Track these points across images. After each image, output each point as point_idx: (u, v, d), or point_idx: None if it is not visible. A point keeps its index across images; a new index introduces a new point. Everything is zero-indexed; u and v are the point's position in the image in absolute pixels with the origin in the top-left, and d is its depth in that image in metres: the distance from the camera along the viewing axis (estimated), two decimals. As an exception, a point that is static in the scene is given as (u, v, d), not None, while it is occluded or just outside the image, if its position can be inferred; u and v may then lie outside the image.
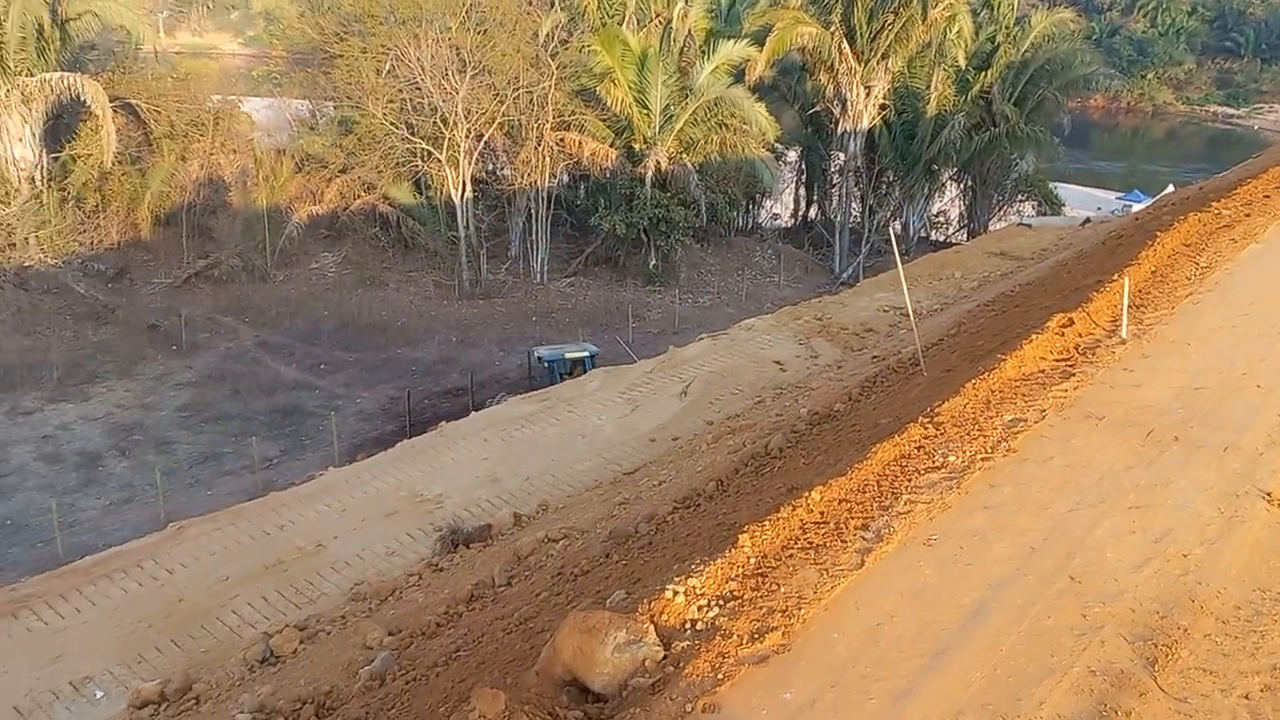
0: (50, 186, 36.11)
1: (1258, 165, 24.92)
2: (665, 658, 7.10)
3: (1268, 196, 18.87)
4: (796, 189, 53.00)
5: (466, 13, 37.87)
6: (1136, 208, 33.81)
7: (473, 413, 21.33)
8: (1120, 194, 56.68)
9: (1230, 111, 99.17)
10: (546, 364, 26.98)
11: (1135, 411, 10.45)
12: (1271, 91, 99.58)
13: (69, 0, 37.48)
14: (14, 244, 34.13)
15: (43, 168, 36.08)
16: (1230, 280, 14.30)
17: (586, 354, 27.06)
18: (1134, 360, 11.70)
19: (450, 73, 36.35)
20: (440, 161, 37.25)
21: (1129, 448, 9.75)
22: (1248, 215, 17.59)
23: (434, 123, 37.03)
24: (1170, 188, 40.89)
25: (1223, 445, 9.61)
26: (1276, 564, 7.78)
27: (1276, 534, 8.18)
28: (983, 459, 9.72)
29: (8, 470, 24.34)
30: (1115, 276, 13.83)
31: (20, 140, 35.21)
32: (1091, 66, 51.45)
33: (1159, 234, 16.62)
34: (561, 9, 40.67)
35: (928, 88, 45.51)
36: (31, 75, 34.80)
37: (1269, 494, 8.70)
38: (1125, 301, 12.71)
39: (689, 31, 43.54)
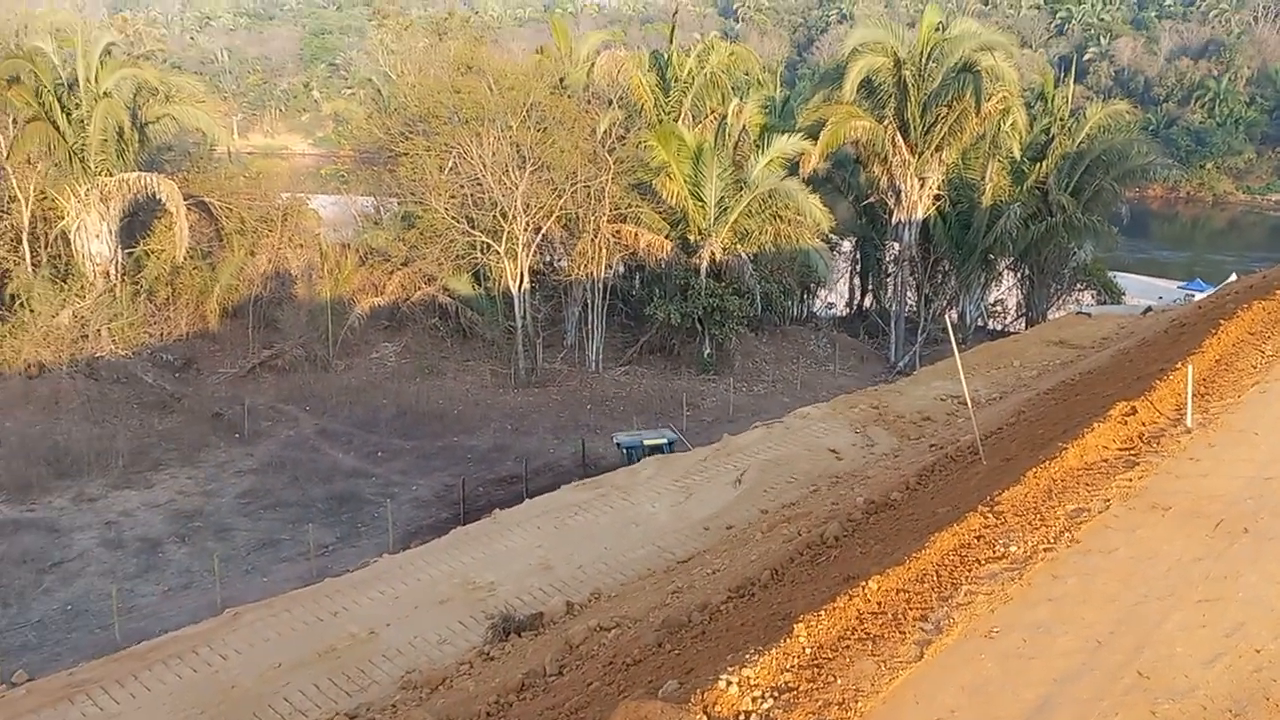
0: (124, 280, 37.50)
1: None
2: (719, 751, 6.95)
3: (1335, 283, 18.50)
4: (851, 278, 53.12)
5: (527, 112, 39.05)
6: (1199, 297, 33.30)
7: (526, 500, 21.35)
8: (1182, 283, 55.92)
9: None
10: (625, 450, 27.05)
11: (1203, 502, 10.16)
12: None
13: (149, 105, 39.41)
14: (87, 335, 35.33)
15: (117, 263, 37.53)
16: (1299, 368, 13.95)
17: (665, 440, 27.11)
18: (1200, 449, 11.42)
19: (510, 169, 37.36)
20: (499, 254, 38.04)
21: (1197, 539, 9.46)
22: (1315, 302, 17.22)
23: (494, 216, 37.94)
24: (1234, 276, 40.28)
25: (1296, 537, 9.29)
26: (1358, 661, 7.43)
27: (1357, 629, 7.83)
28: (1045, 549, 9.48)
29: (71, 555, 24.78)
30: (1179, 364, 13.57)
31: (97, 237, 36.71)
32: (1149, 157, 51.35)
33: (1223, 321, 16.32)
34: (619, 107, 41.74)
35: (983, 178, 45.68)
36: (110, 175, 36.43)
37: (1348, 587, 8.36)
38: (1190, 389, 12.45)
39: (743, 126, 44.35)
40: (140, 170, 37.58)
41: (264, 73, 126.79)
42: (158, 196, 36.93)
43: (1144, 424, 12.22)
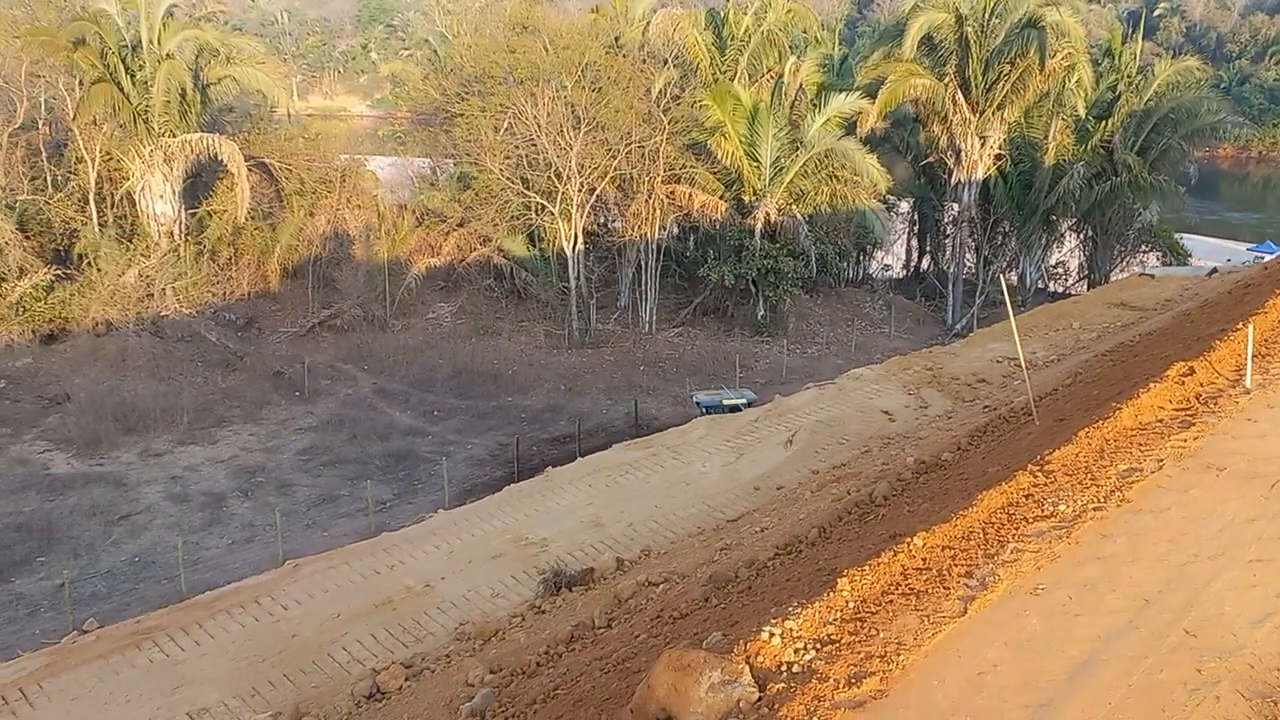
0: (187, 241, 38.29)
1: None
2: (760, 699, 7.04)
3: None
4: (909, 240, 52.44)
5: (582, 72, 38.96)
6: (1269, 259, 32.37)
7: (578, 459, 21.59)
8: (1252, 245, 54.34)
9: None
10: (705, 409, 27.29)
11: (1259, 463, 9.97)
12: None
13: (210, 66, 39.97)
14: (152, 294, 36.19)
15: (181, 223, 38.32)
16: (1367, 329, 13.57)
17: (744, 401, 27.27)
18: (1259, 410, 11.19)
19: (565, 129, 37.36)
20: (554, 215, 38.15)
21: (1252, 499, 9.30)
22: (1388, 262, 16.70)
23: (548, 177, 38.01)
24: (1307, 237, 39.05)
25: (1356, 499, 9.09)
26: None
27: None
28: (1095, 509, 9.39)
29: (138, 509, 25.56)
30: (1240, 325, 13.27)
31: (161, 197, 37.50)
32: (1219, 115, 49.72)
33: (1289, 282, 15.91)
34: (674, 66, 41.43)
35: (1045, 137, 44.66)
36: (174, 136, 37.10)
37: (1407, 550, 8.19)
38: (1250, 350, 12.18)
39: (800, 85, 43.79)
40: (202, 131, 38.25)
41: (323, 34, 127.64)
42: (219, 157, 37.57)
43: (1201, 384, 12.00)
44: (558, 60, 39.80)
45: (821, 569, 10.36)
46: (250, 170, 38.16)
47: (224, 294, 38.50)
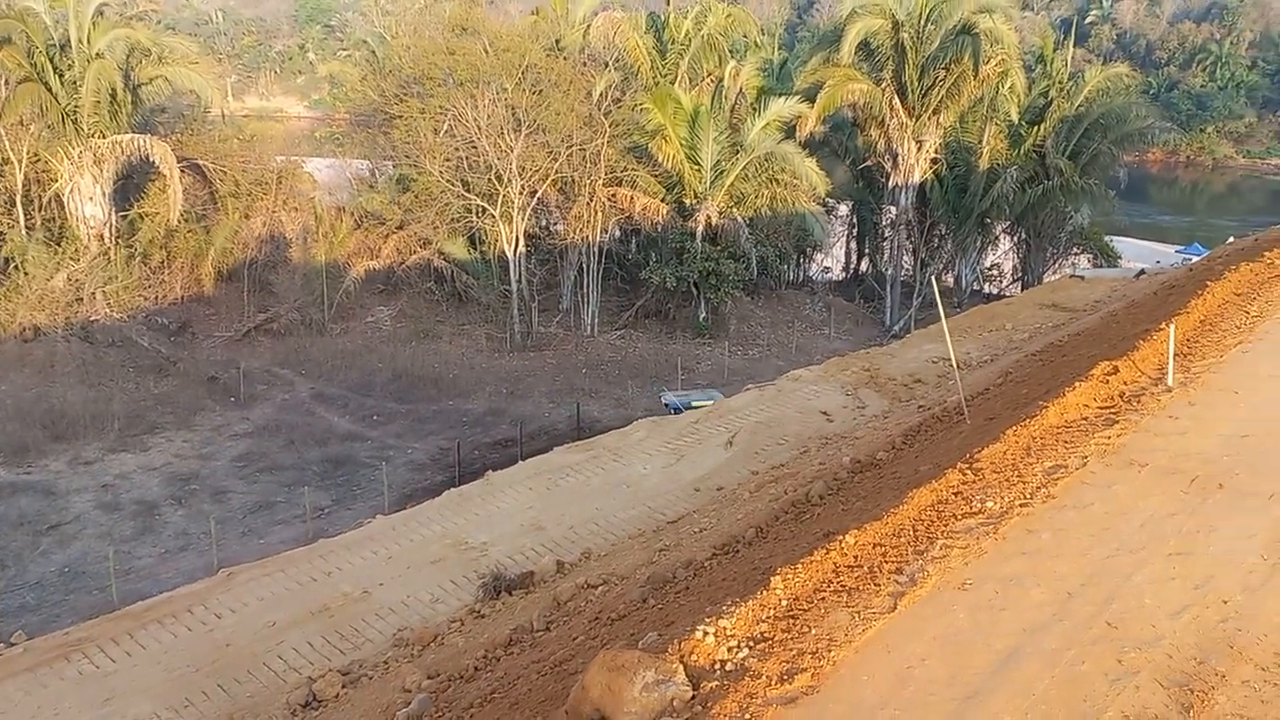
0: (118, 244, 37.45)
1: (1317, 215, 24.49)
2: (694, 698, 7.10)
3: (1324, 246, 18.52)
4: (848, 242, 53.05)
5: (522, 74, 38.85)
6: (1195, 260, 33.29)
7: (520, 462, 21.51)
8: (1179, 247, 55.84)
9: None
10: (673, 410, 27.26)
11: (1179, 459, 10.27)
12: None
13: (142, 66, 39.13)
14: (81, 299, 35.35)
15: (111, 226, 37.48)
16: (1282, 328, 14.03)
17: (711, 401, 27.25)
18: (1180, 408, 11.52)
19: (505, 131, 37.20)
20: (494, 217, 37.97)
21: (1172, 495, 9.58)
22: (1303, 264, 17.28)
23: (489, 180, 37.82)
24: (1231, 240, 40.20)
25: (1269, 493, 9.40)
26: (1322, 611, 7.57)
27: (1323, 581, 7.97)
28: (1021, 505, 9.61)
29: (68, 518, 24.95)
30: (1163, 325, 13.65)
31: (91, 200, 36.64)
32: (1148, 120, 51.03)
33: (1210, 283, 16.39)
34: (615, 69, 41.48)
35: (980, 142, 45.48)
36: (104, 137, 36.27)
37: (1316, 541, 8.49)
38: (1172, 349, 12.53)
39: (740, 89, 44.10)
40: (133, 132, 37.42)
41: (259, 34, 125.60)
42: (151, 159, 36.79)
43: (1125, 383, 12.32)
44: (498, 62, 39.63)
45: (757, 568, 10.45)
46: (183, 172, 37.42)
47: (156, 298, 37.69)
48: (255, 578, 17.00)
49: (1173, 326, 13.06)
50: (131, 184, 38.97)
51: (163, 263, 38.59)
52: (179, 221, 37.70)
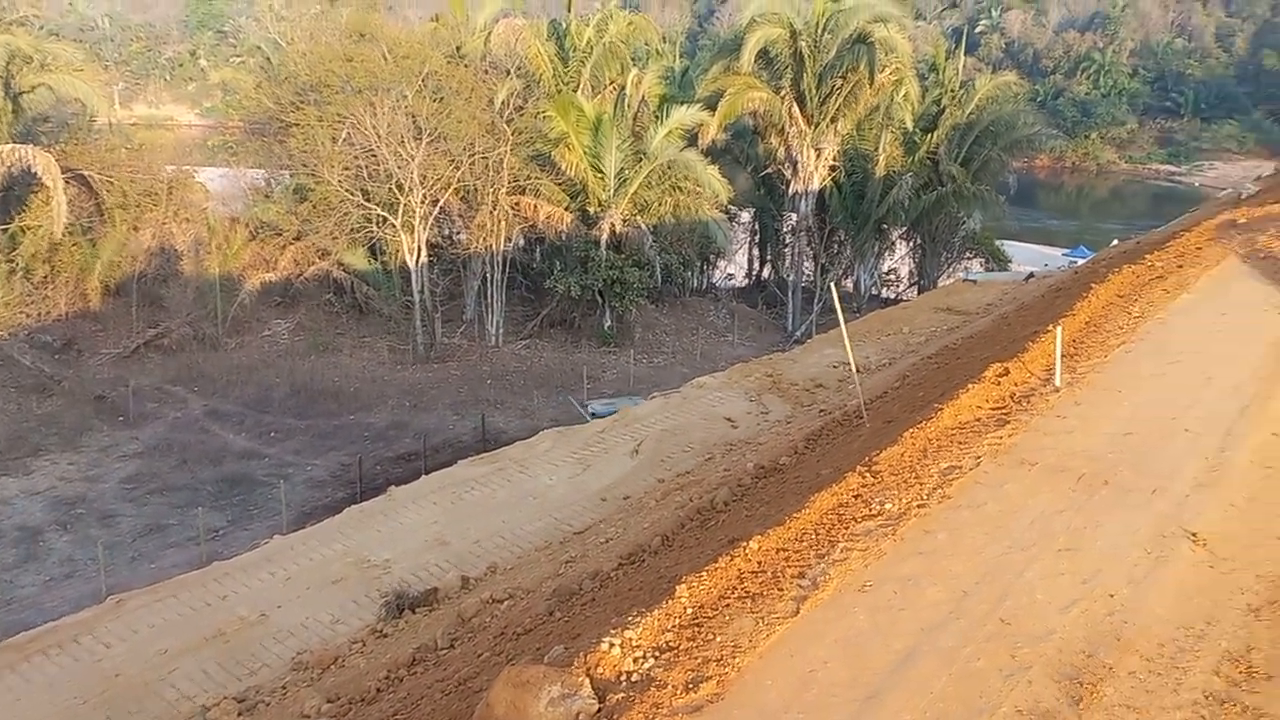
0: (-2, 258, 35.77)
1: (1192, 219, 25.63)
2: (600, 710, 7.06)
3: (1199, 248, 19.37)
4: (750, 249, 53.63)
5: (423, 81, 38.30)
6: (1081, 262, 34.56)
7: (424, 476, 21.14)
8: (1066, 250, 57.87)
9: (1172, 169, 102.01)
10: (601, 419, 26.78)
11: (1067, 457, 10.60)
12: (1211, 149, 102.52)
13: (22, 73, 37.48)
14: (-42, 317, 33.67)
15: (-10, 239, 35.78)
16: (1162, 329, 14.61)
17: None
18: (1067, 407, 11.89)
19: (406, 140, 36.62)
20: (395, 227, 37.35)
21: (1060, 492, 9.87)
22: (1180, 267, 18.04)
23: (389, 189, 37.16)
24: (1115, 242, 41.86)
25: (1151, 489, 9.76)
26: (1200, 602, 7.87)
27: (1201, 573, 8.29)
28: (918, 506, 9.79)
29: (-55, 547, 23.68)
30: (1050, 327, 14.08)
31: (-33, 212, 34.92)
32: (1035, 127, 52.81)
33: (1094, 285, 16.99)
34: (517, 77, 41.21)
35: (876, 149, 46.44)
36: (-19, 147, 34.62)
37: (1194, 535, 8.83)
38: (1059, 350, 12.93)
39: (643, 97, 44.25)
40: (14, 142, 35.73)
41: (148, 40, 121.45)
42: (33, 170, 35.17)
43: (1016, 384, 12.67)
44: (397, 69, 39.00)
45: (663, 577, 10.44)
46: (68, 183, 35.86)
47: (39, 314, 36.06)
48: (146, 604, 16.36)
49: (1059, 329, 13.48)
50: (12, 196, 37.20)
51: (46, 278, 36.95)
52: (63, 235, 36.09)
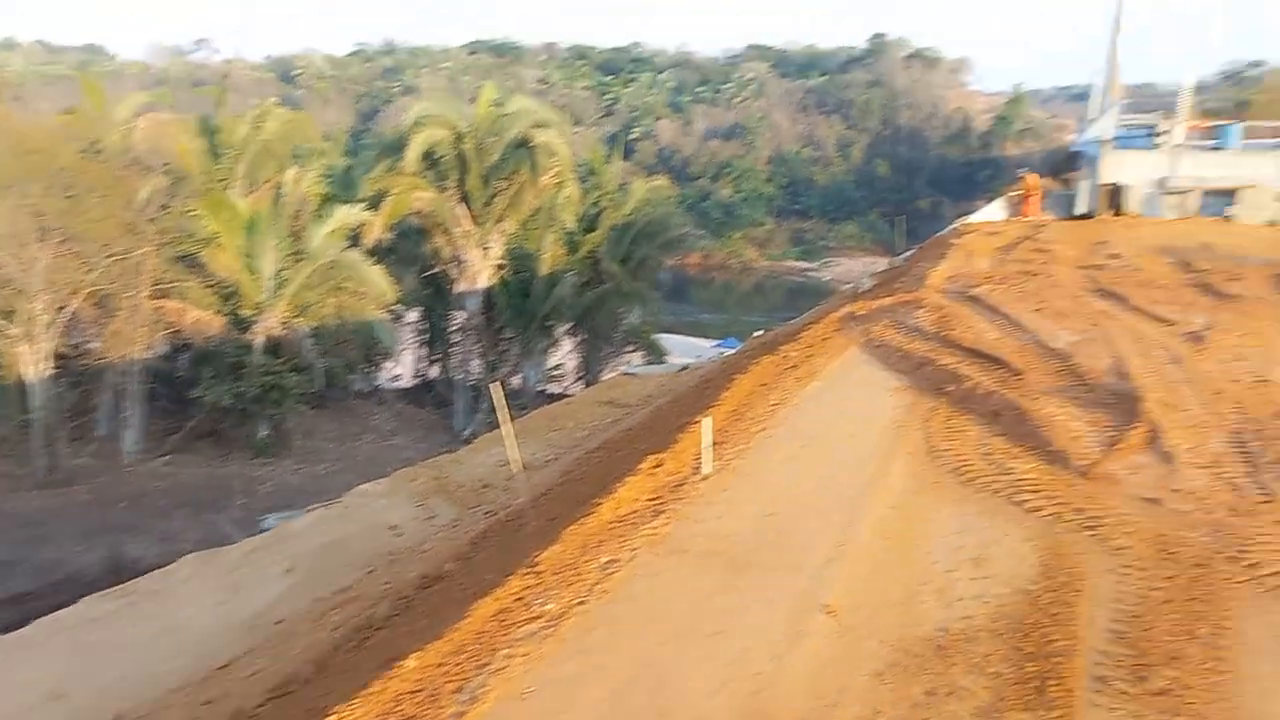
0: None
1: (820, 311, 28.19)
2: None
3: (826, 339, 21.22)
4: (418, 349, 52.97)
5: (53, 178, 34.81)
6: (729, 352, 36.92)
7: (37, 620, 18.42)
8: (716, 341, 61.92)
9: (805, 265, 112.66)
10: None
11: (717, 542, 11.00)
12: (836, 247, 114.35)
13: None
14: None
15: None
16: (796, 415, 15.74)
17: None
18: (716, 494, 12.41)
19: (29, 241, 32.99)
20: (13, 337, 33.30)
21: (712, 576, 10.19)
22: (809, 356, 19.62)
23: (6, 295, 33.20)
24: (759, 333, 45.28)
25: (790, 566, 10.30)
26: (834, 672, 8.31)
27: (833, 643, 8.78)
28: (579, 604, 9.74)
29: None
30: (698, 417, 14.74)
31: None
32: (686, 228, 56.60)
33: (737, 376, 18.09)
34: (164, 173, 38.56)
35: (541, 248, 47.70)
36: None
37: (827, 606, 9.37)
38: (708, 440, 13.53)
39: (304, 196, 42.84)
40: None
41: None
42: None
43: (669, 474, 13.09)
44: (21, 165, 35.21)
45: (313, 709, 9.62)
46: None
47: None
48: None
49: (708, 419, 14.14)
50: None
51: None
52: None
